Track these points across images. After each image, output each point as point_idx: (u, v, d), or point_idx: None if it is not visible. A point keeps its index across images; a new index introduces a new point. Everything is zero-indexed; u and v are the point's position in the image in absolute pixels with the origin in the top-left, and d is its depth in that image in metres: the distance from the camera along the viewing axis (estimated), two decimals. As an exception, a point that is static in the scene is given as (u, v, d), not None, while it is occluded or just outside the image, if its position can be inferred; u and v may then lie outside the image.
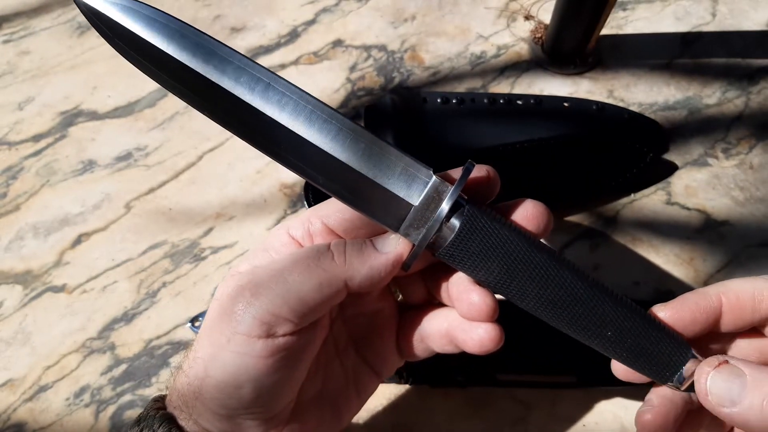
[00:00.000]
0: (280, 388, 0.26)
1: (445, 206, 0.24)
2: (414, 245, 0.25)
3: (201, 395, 0.26)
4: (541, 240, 0.26)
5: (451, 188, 0.24)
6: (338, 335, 0.31)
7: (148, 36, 0.24)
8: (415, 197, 0.25)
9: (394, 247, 0.26)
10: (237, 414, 0.26)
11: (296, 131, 0.24)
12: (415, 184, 0.25)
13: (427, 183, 0.25)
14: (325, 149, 0.24)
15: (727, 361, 0.24)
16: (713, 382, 0.23)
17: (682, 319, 0.25)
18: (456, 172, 0.26)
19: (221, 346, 0.25)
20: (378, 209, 0.25)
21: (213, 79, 0.24)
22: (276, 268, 0.26)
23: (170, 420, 0.27)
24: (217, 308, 0.26)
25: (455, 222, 0.24)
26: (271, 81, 0.24)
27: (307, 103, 0.24)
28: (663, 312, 0.26)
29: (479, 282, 0.26)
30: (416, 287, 0.31)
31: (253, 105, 0.24)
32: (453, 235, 0.24)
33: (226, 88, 0.24)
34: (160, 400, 0.29)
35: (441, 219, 0.24)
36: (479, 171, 0.26)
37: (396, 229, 0.25)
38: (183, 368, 0.27)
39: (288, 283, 0.25)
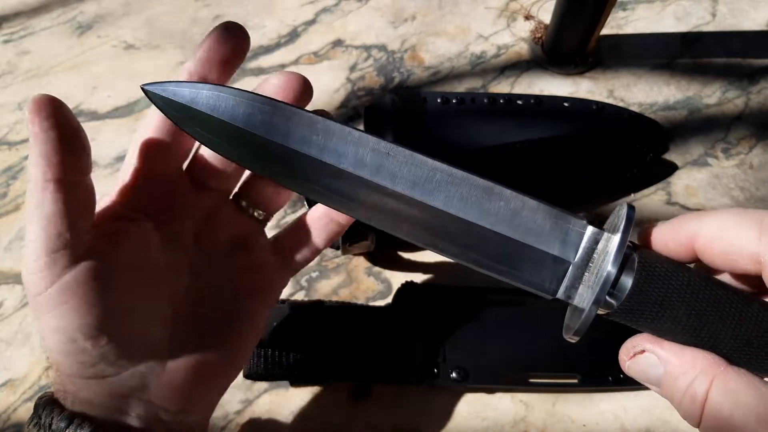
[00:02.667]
0: (108, 320, 0.25)
1: (615, 259, 0.21)
2: (581, 308, 0.22)
3: (59, 368, 0.26)
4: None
5: (616, 237, 0.21)
6: (201, 271, 0.30)
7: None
8: (571, 253, 0.22)
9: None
10: (96, 363, 0.26)
11: (421, 200, 0.22)
12: (569, 238, 0.22)
13: (583, 234, 0.22)
14: (459, 215, 0.22)
15: (643, 351, 0.23)
16: (631, 370, 0.23)
17: (663, 250, 0.24)
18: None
19: (35, 317, 0.25)
20: (530, 273, 0.22)
21: (333, 163, 0.22)
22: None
23: (51, 402, 0.27)
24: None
25: (626, 274, 0.21)
26: (390, 151, 0.22)
27: (427, 167, 0.22)
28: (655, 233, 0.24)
29: (661, 334, 0.23)
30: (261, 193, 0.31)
31: (371, 180, 0.22)
32: (629, 288, 0.21)
33: (344, 169, 0.22)
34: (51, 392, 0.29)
35: (612, 275, 0.21)
36: (292, 80, 0.26)
37: (554, 294, 0.23)
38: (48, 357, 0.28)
39: (33, 226, 0.24)
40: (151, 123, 0.28)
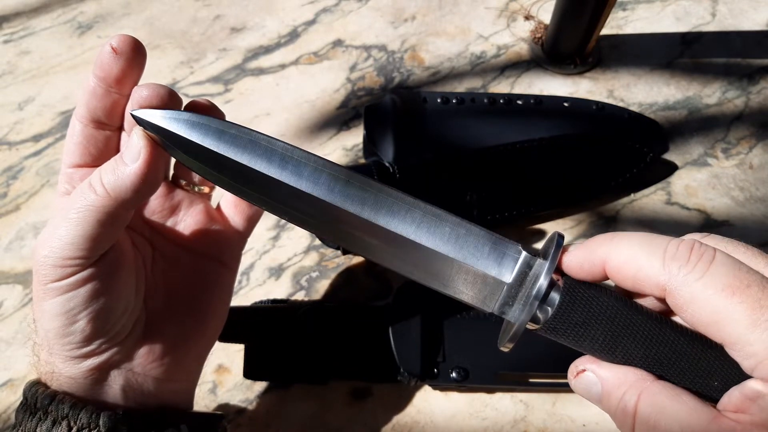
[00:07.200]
0: (109, 309, 0.28)
1: (543, 282, 0.24)
2: (513, 323, 0.25)
3: (52, 349, 0.28)
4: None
5: (546, 263, 0.24)
6: (162, 247, 0.33)
7: (225, 150, 0.24)
8: (507, 275, 0.25)
9: (138, 153, 0.25)
10: (82, 346, 0.28)
11: (380, 224, 0.24)
12: (505, 261, 0.25)
13: (518, 259, 0.25)
14: (411, 238, 0.24)
15: (584, 370, 0.25)
16: (576, 388, 0.25)
17: (577, 273, 0.25)
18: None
19: (41, 300, 0.27)
20: (469, 290, 0.25)
21: (303, 189, 0.24)
22: (53, 221, 0.27)
23: (36, 384, 0.29)
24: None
25: (554, 295, 0.24)
26: (349, 178, 0.24)
27: (387, 195, 0.25)
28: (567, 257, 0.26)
29: (583, 351, 0.26)
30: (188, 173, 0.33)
31: (342, 207, 0.24)
32: (554, 310, 0.24)
33: (308, 192, 0.24)
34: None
35: (540, 295, 0.24)
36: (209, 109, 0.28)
37: (490, 309, 0.25)
38: (36, 341, 0.29)
39: (70, 228, 0.26)
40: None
